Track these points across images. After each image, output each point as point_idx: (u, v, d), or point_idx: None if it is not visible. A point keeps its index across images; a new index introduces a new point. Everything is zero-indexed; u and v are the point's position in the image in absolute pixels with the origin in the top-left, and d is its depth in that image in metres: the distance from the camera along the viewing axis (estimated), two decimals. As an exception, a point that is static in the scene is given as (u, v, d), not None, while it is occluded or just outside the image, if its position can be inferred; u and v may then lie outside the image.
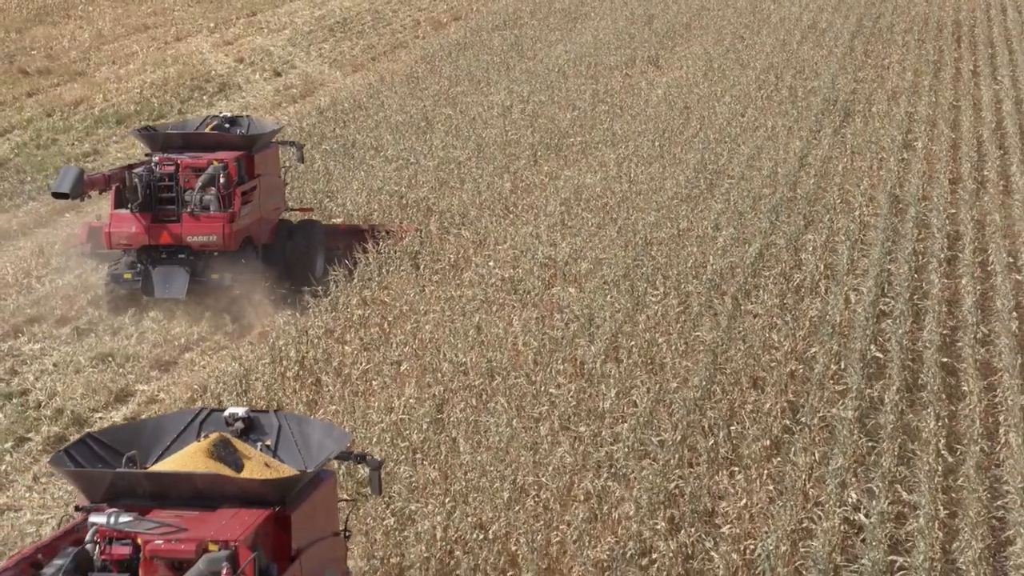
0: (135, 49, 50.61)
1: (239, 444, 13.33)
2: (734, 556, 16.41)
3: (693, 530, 16.83)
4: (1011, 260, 26.85)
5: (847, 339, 22.60)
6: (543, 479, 17.94)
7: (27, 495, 19.29)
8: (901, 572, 16.14)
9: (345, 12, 58.95)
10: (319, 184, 31.74)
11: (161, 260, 25.17)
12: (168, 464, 13.15)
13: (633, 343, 22.15)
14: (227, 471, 12.84)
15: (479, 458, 18.49)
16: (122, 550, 12.29)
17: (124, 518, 12.38)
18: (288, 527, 12.89)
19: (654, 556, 16.38)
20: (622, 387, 20.57)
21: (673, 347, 22.01)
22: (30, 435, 21.04)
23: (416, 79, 43.68)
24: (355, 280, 25.72)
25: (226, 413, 14.22)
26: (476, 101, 39.91)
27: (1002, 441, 19.45)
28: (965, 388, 20.99)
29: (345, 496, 16.91)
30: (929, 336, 22.65)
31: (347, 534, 14.22)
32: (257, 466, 13.17)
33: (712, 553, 16.44)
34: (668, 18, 53.28)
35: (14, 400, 22.17)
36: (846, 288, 24.78)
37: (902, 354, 21.91)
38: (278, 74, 47.26)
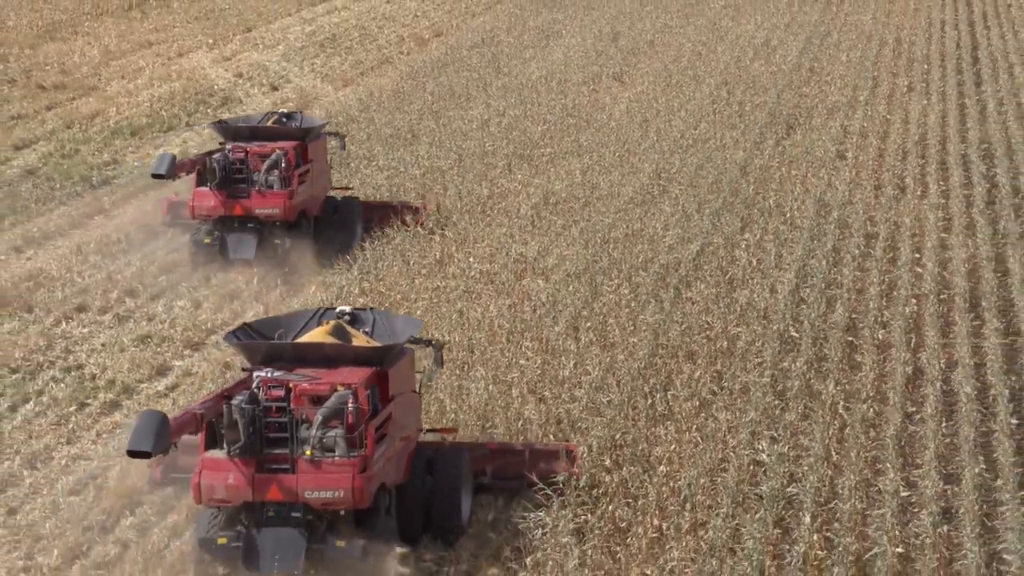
0: (142, 64, 54.87)
1: (348, 328, 19.63)
2: (664, 489, 20.85)
3: (632, 468, 21.28)
4: (916, 256, 31.33)
5: (769, 321, 27.06)
6: (514, 432, 22.39)
7: (92, 447, 23.61)
8: (793, 496, 20.57)
9: (334, 28, 63.28)
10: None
11: (234, 228, 30.83)
12: (303, 339, 19.39)
13: (590, 324, 26.62)
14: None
15: (462, 416, 22.92)
16: (278, 392, 18.44)
17: (278, 373, 18.61)
18: (386, 380, 19.31)
19: (601, 488, 20.82)
20: (579, 359, 25.06)
21: (623, 327, 26.47)
22: (89, 400, 25.36)
23: (402, 94, 48.03)
24: (355, 272, 30.15)
25: (337, 310, 20.76)
26: (457, 115, 44.29)
27: (889, 402, 23.90)
28: (860, 360, 25.47)
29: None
30: (836, 318, 27.13)
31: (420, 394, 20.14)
32: (361, 342, 19.40)
33: (647, 485, 20.87)
34: (633, 35, 57.74)
35: (72, 373, 26.50)
36: (772, 280, 29.25)
37: (813, 333, 26.38)
38: (275, 88, 51.53)
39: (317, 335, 19.83)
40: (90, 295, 30.38)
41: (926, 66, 51.68)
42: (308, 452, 18.22)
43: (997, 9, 63.72)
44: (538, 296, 28.30)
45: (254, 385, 18.57)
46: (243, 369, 19.33)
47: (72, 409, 24.97)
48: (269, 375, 18.64)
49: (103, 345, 27.86)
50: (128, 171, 40.73)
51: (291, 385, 18.60)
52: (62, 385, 25.93)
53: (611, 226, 32.65)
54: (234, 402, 18.22)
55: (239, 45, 59.54)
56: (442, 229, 33.01)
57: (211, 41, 59.90)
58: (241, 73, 53.74)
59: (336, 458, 18.18)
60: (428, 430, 21.21)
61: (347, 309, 20.73)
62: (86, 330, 28.79)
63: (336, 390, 18.49)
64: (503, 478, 21.08)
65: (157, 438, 16.81)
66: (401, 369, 19.81)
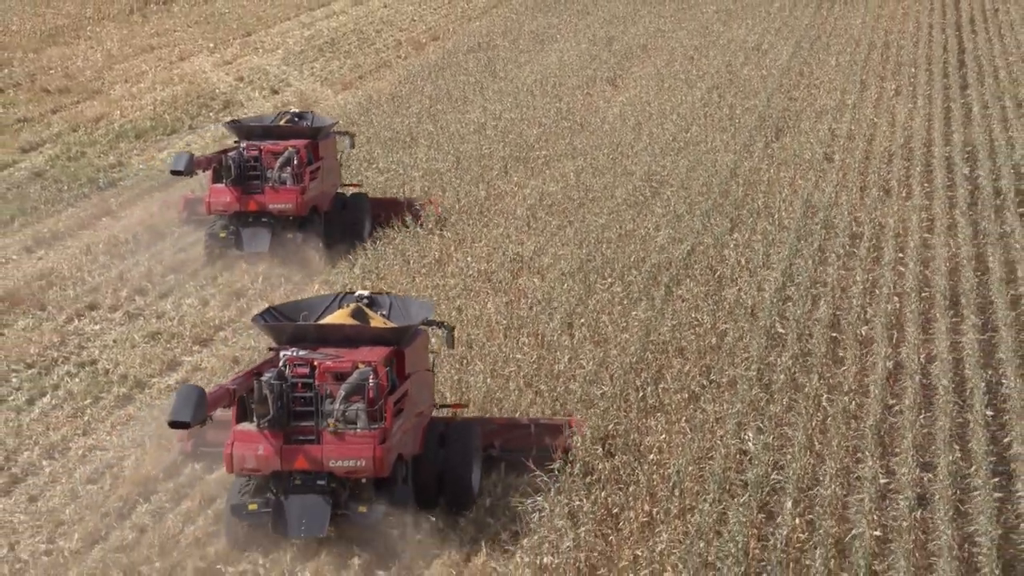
0: (144, 68, 55.91)
1: (367, 310, 21.02)
2: (654, 476, 21.91)
3: (624, 456, 22.35)
4: (899, 255, 32.41)
5: (756, 318, 28.13)
6: (511, 422, 23.46)
7: (107, 438, 24.65)
8: (777, 483, 21.64)
9: (332, 33, 64.33)
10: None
11: (248, 223, 32.27)
12: (326, 321, 20.84)
13: (584, 321, 27.68)
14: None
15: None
16: (303, 369, 20.02)
17: (303, 352, 20.23)
18: (403, 358, 20.90)
19: (595, 475, 21.88)
20: (573, 354, 26.13)
21: (615, 324, 27.54)
22: (103, 394, 26.41)
23: (400, 98, 49.09)
24: (358, 271, 31.22)
25: (356, 294, 22.42)
26: (454, 119, 45.36)
27: (870, 395, 24.96)
28: (843, 355, 26.56)
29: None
30: (821, 315, 28.21)
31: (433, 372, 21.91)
32: (379, 323, 20.94)
33: (638, 472, 21.94)
34: (627, 40, 58.83)
35: (86, 368, 27.56)
36: (759, 278, 30.33)
37: (798, 329, 27.45)
38: (275, 92, 52.59)
39: (338, 317, 21.68)
40: (100, 293, 31.42)
41: (913, 70, 52.77)
42: (332, 424, 19.78)
43: (984, 13, 64.84)
44: (534, 294, 29.34)
45: (281, 363, 20.18)
46: (270, 348, 21.03)
47: (87, 402, 26.02)
48: (295, 354, 20.25)
49: (115, 341, 28.89)
50: (134, 173, 41.80)
51: (315, 363, 20.14)
52: (77, 380, 26.97)
53: (604, 226, 33.69)
54: (263, 378, 19.73)
55: (239, 49, 60.56)
56: (441, 229, 34.05)
57: (211, 45, 60.92)
58: (242, 77, 54.80)
59: (358, 430, 19.77)
60: (440, 406, 22.83)
61: (365, 293, 22.54)
62: (98, 327, 29.82)
63: (357, 367, 20.04)
64: (510, 450, 22.52)
65: (195, 410, 18.26)
66: (416, 349, 21.53)
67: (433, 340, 23.86)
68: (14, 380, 27.10)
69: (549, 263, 31.45)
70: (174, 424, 18.41)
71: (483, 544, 20.74)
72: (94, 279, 32.46)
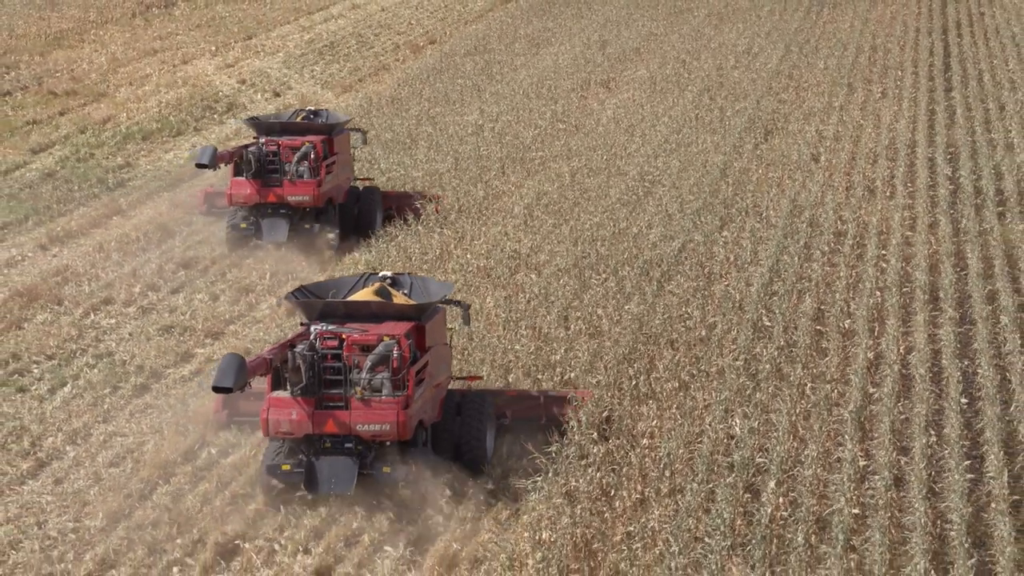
0: (148, 71, 57.17)
1: (390, 289, 22.82)
2: (646, 459, 23.23)
3: (618, 440, 23.67)
4: (882, 252, 33.75)
5: (743, 311, 29.45)
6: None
7: (127, 424, 25.94)
8: (761, 464, 22.95)
9: (331, 36, 65.62)
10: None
11: (268, 214, 34.21)
12: (352, 298, 22.58)
13: (579, 314, 28.99)
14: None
15: (464, 396, 25.31)
16: (332, 342, 21.98)
17: (332, 326, 22.13)
18: (424, 332, 22.78)
19: (590, 458, 23.19)
20: (569, 346, 27.45)
21: (610, 317, 28.85)
22: (121, 384, 27.69)
23: (400, 100, 50.40)
24: (362, 268, 32.48)
25: (380, 274, 24.29)
26: (452, 121, 46.68)
27: (851, 383, 26.29)
28: (827, 346, 27.89)
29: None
30: (805, 308, 29.54)
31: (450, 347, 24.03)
32: (401, 301, 22.66)
33: (631, 455, 23.26)
34: (620, 43, 60.17)
35: (104, 360, 28.84)
36: (747, 274, 31.65)
37: (784, 321, 28.77)
38: (277, 94, 53.85)
39: (364, 295, 23.56)
40: (114, 289, 32.71)
41: (899, 73, 54.11)
42: (359, 392, 21.81)
43: (971, 17, 66.25)
44: (531, 289, 30.64)
45: (312, 336, 22.01)
46: (301, 323, 22.91)
47: (106, 391, 27.30)
48: (325, 328, 22.06)
49: (130, 334, 30.18)
50: (141, 174, 43.07)
51: (344, 336, 22.07)
52: (95, 370, 28.25)
53: (599, 225, 35.01)
54: (297, 350, 21.71)
55: (241, 52, 61.83)
56: (441, 227, 35.36)
57: (213, 48, 62.17)
58: (244, 79, 56.07)
59: (383, 397, 21.77)
60: (457, 378, 24.86)
61: (388, 273, 24.43)
62: (113, 321, 31.10)
63: (382, 340, 21.97)
64: (521, 419, 24.46)
65: (237, 376, 20.29)
66: (435, 324, 23.38)
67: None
68: (36, 371, 28.37)
69: (546, 260, 32.75)
70: (218, 388, 20.31)
71: (485, 521, 22.08)
72: (108, 275, 33.73)
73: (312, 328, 22.32)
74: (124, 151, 45.74)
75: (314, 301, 23.16)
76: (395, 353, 21.83)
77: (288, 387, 21.81)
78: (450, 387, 24.14)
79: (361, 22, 69.64)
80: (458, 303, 24.34)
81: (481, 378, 25.50)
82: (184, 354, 29.20)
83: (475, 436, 23.15)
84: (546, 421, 24.10)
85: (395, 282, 24.26)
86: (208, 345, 29.74)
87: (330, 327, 22.30)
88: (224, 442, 24.83)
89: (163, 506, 22.73)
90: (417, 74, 55.36)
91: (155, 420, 25.90)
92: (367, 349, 22.04)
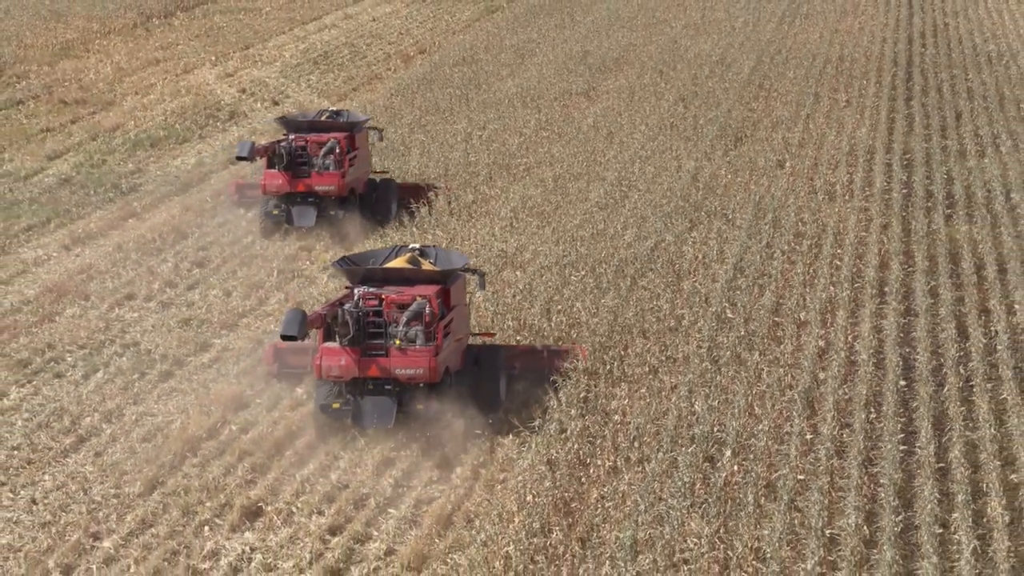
0: (152, 81, 60.18)
1: (419, 258, 27.00)
2: (618, 433, 26.38)
3: (593, 417, 26.83)
4: (838, 251, 36.93)
5: (708, 304, 32.59)
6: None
7: (155, 406, 29.04)
8: (719, 437, 26.09)
9: (325, 46, 68.63)
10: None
11: (297, 202, 38.77)
12: (388, 266, 26.70)
13: (560, 308, 32.12)
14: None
15: (456, 380, 28.52)
16: (373, 302, 26.51)
17: (373, 288, 26.60)
18: (448, 294, 27.23)
19: (568, 432, 26.35)
20: (551, 336, 30.56)
21: (587, 310, 31.97)
22: (148, 371, 30.77)
23: (393, 109, 53.45)
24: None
25: (409, 247, 28.99)
26: (442, 129, 49.78)
27: (802, 368, 29.43)
28: (782, 335, 31.07)
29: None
30: (765, 302, 32.71)
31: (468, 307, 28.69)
32: (428, 267, 26.76)
33: (604, 429, 26.40)
34: (600, 54, 63.28)
35: (131, 349, 31.92)
36: (713, 271, 34.81)
37: (745, 314, 31.93)
38: (276, 103, 56.84)
39: (398, 263, 28.17)
40: (135, 285, 35.80)
41: (864, 82, 57.27)
42: (397, 342, 26.18)
43: (935, 28, 69.50)
44: (516, 285, 33.78)
45: (356, 297, 26.47)
46: (346, 287, 27.47)
47: (135, 377, 30.38)
48: (367, 290, 26.40)
49: (153, 327, 33.25)
50: (152, 179, 46.11)
51: (383, 296, 26.48)
52: (123, 358, 31.33)
53: (579, 226, 38.17)
54: (345, 308, 26.11)
55: (239, 62, 64.80)
56: (434, 229, 38.49)
57: (213, 58, 65.14)
58: (244, 89, 59.06)
59: (417, 347, 26.14)
60: (475, 334, 29.27)
61: (417, 246, 29.10)
62: (136, 314, 34.17)
63: (415, 299, 26.34)
64: (529, 369, 28.87)
65: (300, 327, 24.49)
66: (457, 288, 27.79)
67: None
68: (69, 359, 31.44)
69: (530, 258, 35.89)
70: (285, 336, 24.49)
71: (476, 487, 25.24)
72: (128, 273, 36.79)
73: (356, 290, 26.68)
74: (134, 157, 48.71)
75: (357, 268, 27.56)
76: (427, 310, 26.13)
77: (337, 338, 26.04)
78: (469, 342, 28.42)
79: (353, 32, 72.66)
80: (475, 270, 28.47)
81: (495, 335, 29.87)
82: (203, 344, 32.26)
83: (491, 383, 27.60)
84: (549, 371, 28.42)
85: (423, 252, 28.85)
86: (224, 336, 32.82)
87: (371, 289, 26.62)
88: (244, 421, 27.95)
89: (192, 475, 25.86)
90: (408, 84, 58.39)
91: (180, 402, 29.00)
92: (403, 307, 26.35)
